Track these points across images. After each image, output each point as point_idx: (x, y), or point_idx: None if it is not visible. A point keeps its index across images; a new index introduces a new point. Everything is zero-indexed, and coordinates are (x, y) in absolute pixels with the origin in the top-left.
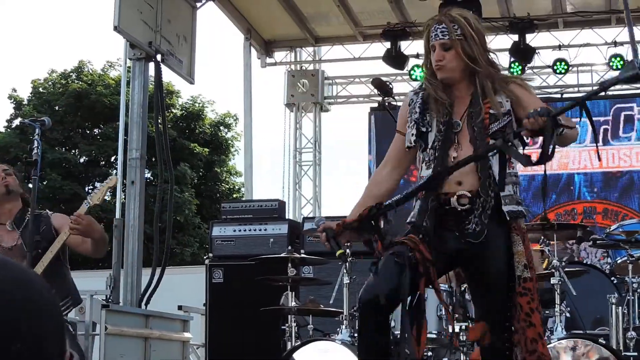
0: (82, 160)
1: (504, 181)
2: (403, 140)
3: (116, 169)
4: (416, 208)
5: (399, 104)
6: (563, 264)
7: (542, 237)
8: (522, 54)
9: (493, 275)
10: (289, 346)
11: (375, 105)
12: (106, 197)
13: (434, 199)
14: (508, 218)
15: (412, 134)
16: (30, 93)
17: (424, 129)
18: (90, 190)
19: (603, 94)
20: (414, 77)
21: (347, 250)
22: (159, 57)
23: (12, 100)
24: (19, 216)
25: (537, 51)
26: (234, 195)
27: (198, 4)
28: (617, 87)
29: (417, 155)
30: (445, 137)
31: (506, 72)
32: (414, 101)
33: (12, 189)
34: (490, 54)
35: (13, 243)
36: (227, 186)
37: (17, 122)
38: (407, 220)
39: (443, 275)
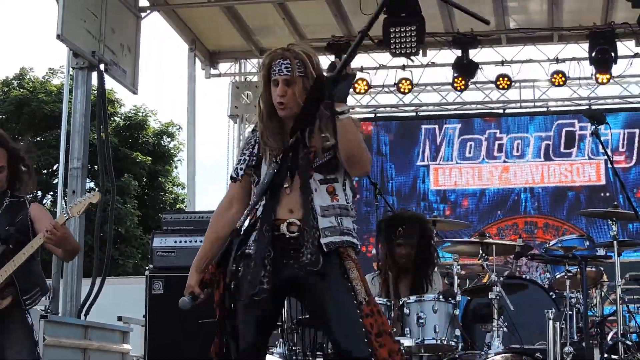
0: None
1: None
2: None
3: (57, 177)
4: (252, 237)
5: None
6: (501, 278)
7: (481, 252)
8: (465, 69)
9: (332, 305)
10: None
11: None
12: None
13: (268, 227)
14: (326, 250)
15: (241, 168)
16: None
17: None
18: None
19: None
20: (402, 90)
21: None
22: (102, 66)
23: None
24: (0, 200)
25: (480, 66)
26: (178, 206)
27: (143, 14)
28: (559, 103)
29: (252, 190)
30: (278, 171)
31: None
32: (251, 139)
33: None
34: None
35: None
36: (170, 197)
37: None
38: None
39: (282, 301)
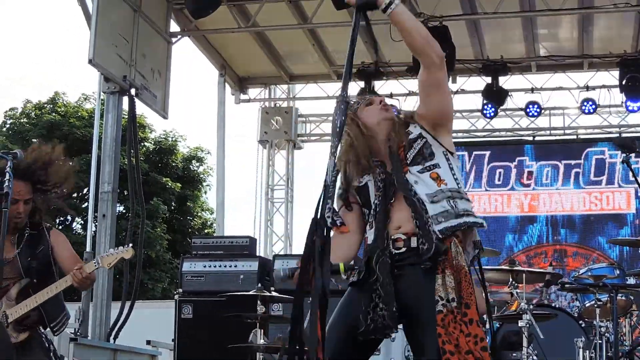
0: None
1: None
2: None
3: (87, 201)
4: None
5: None
6: (531, 306)
7: (511, 280)
8: (495, 96)
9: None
10: None
11: None
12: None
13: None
14: (441, 236)
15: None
16: (3, 123)
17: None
18: (61, 223)
19: (575, 137)
20: None
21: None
22: (133, 91)
23: None
24: (21, 232)
25: (509, 93)
26: (206, 231)
27: (173, 39)
28: (589, 131)
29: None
30: (386, 190)
31: None
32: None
33: (19, 224)
34: None
35: (10, 257)
36: (199, 221)
37: None
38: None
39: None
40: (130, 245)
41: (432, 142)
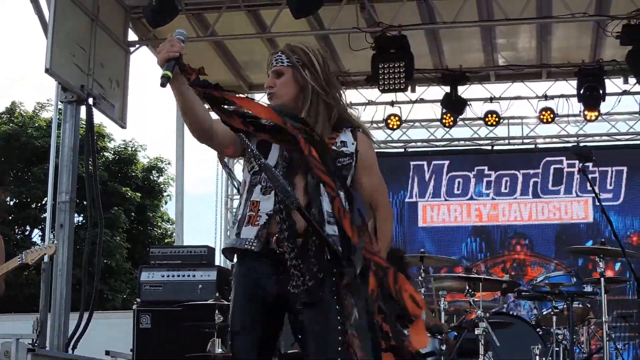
0: (12, 202)
1: None
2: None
3: (46, 211)
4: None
5: None
6: (488, 314)
7: (467, 288)
8: (454, 105)
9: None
10: None
11: None
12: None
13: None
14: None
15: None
16: None
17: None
18: (20, 233)
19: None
20: (390, 126)
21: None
22: (90, 100)
23: None
24: None
25: (468, 103)
26: (167, 241)
27: (132, 49)
28: (548, 140)
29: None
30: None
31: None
32: None
33: None
34: (338, 90)
35: None
36: (159, 231)
37: None
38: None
39: None
40: (54, 242)
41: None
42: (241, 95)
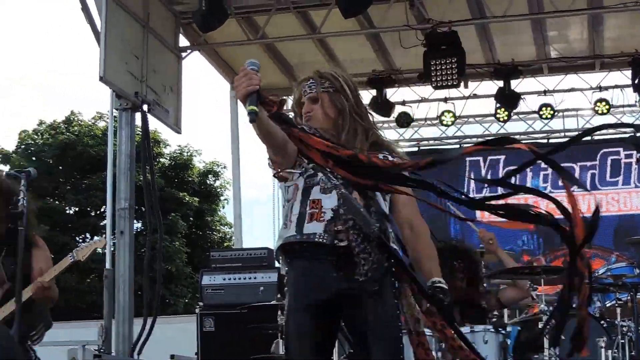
0: (71, 211)
1: None
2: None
3: (105, 219)
4: None
5: None
6: (551, 308)
7: (530, 282)
8: (508, 99)
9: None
10: None
11: None
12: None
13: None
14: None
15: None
16: (17, 145)
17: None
18: (80, 241)
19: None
20: (444, 122)
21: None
22: (145, 107)
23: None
24: (6, 239)
25: (522, 97)
26: (225, 244)
27: (183, 54)
28: (604, 131)
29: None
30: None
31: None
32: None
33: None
34: (368, 111)
35: None
36: (218, 235)
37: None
38: None
39: None
40: (103, 236)
41: None
42: (319, 140)
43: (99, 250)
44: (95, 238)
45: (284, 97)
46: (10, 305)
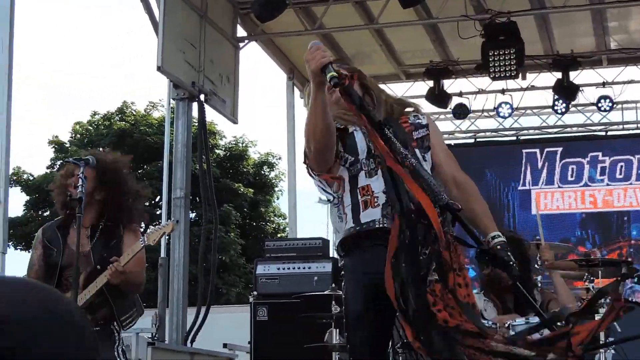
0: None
1: None
2: None
3: (161, 208)
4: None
5: None
6: (608, 301)
7: (586, 274)
8: (566, 91)
9: None
10: None
11: None
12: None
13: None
14: None
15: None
16: (72, 136)
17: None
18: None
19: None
20: (501, 114)
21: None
22: (202, 96)
23: (52, 145)
24: (95, 225)
25: (581, 88)
26: (279, 235)
27: (241, 44)
28: None
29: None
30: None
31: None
32: None
33: (71, 201)
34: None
35: (86, 250)
36: (272, 226)
37: (59, 163)
38: None
39: None
40: (171, 220)
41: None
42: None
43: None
44: (163, 223)
45: (356, 73)
46: (91, 287)
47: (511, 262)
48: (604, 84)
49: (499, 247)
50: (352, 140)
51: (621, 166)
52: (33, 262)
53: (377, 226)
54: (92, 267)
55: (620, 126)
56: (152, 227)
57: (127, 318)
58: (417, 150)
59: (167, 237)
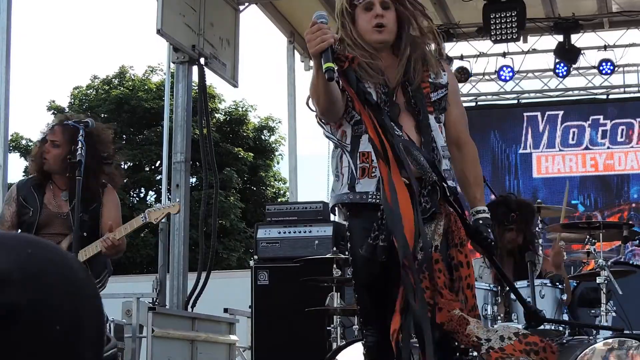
0: (126, 166)
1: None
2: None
3: (161, 173)
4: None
5: None
6: (609, 263)
7: (588, 237)
8: (567, 54)
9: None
10: (334, 346)
11: None
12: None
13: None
14: (449, 194)
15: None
16: (71, 101)
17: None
18: (135, 196)
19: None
20: (502, 77)
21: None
22: (202, 60)
23: (51, 111)
24: (73, 188)
25: (582, 52)
26: (280, 200)
27: (241, 7)
28: None
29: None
30: (390, 106)
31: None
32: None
33: (47, 168)
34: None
35: (64, 212)
36: (272, 190)
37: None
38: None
39: None
40: (177, 200)
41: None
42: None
43: (154, 203)
44: (169, 203)
45: (356, 55)
46: (79, 256)
47: (489, 240)
48: (605, 47)
49: (480, 221)
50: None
51: (622, 129)
52: (5, 218)
53: (369, 200)
54: (76, 233)
55: (622, 89)
56: (157, 204)
57: (100, 280)
58: (431, 116)
59: (167, 201)
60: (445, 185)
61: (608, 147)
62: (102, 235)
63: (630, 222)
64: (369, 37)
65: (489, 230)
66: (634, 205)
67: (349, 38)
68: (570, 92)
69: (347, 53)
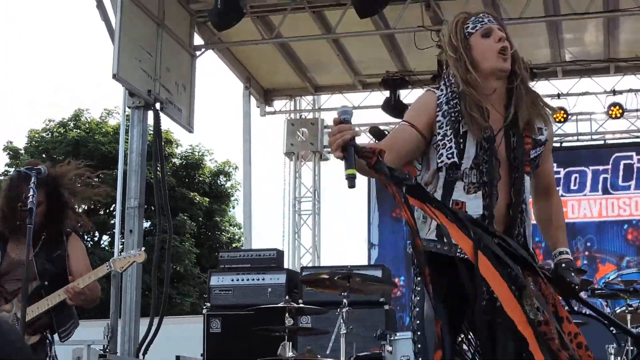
0: (80, 209)
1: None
2: (412, 134)
3: (115, 217)
4: None
5: None
6: None
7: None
8: None
9: None
10: None
11: None
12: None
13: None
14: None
15: (452, 150)
16: (27, 143)
17: (461, 145)
18: (89, 240)
19: (603, 142)
20: None
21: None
22: (158, 105)
23: (7, 152)
24: (38, 235)
25: None
26: (234, 245)
27: (197, 53)
28: (617, 136)
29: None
30: (490, 157)
31: None
32: (442, 102)
33: (21, 212)
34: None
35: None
36: (227, 235)
37: (12, 170)
38: None
39: None
40: (143, 248)
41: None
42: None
43: (107, 247)
44: (134, 251)
45: (382, 149)
46: (41, 304)
47: (574, 285)
48: (559, 96)
49: (563, 265)
50: (462, 139)
51: (575, 177)
52: None
53: (460, 256)
54: (38, 282)
55: (575, 137)
56: (123, 253)
57: (65, 330)
58: (526, 176)
59: (120, 245)
60: (534, 263)
61: (561, 195)
62: None
63: (582, 269)
64: (492, 63)
65: (572, 275)
66: (587, 253)
67: (462, 68)
68: None
69: (373, 146)
